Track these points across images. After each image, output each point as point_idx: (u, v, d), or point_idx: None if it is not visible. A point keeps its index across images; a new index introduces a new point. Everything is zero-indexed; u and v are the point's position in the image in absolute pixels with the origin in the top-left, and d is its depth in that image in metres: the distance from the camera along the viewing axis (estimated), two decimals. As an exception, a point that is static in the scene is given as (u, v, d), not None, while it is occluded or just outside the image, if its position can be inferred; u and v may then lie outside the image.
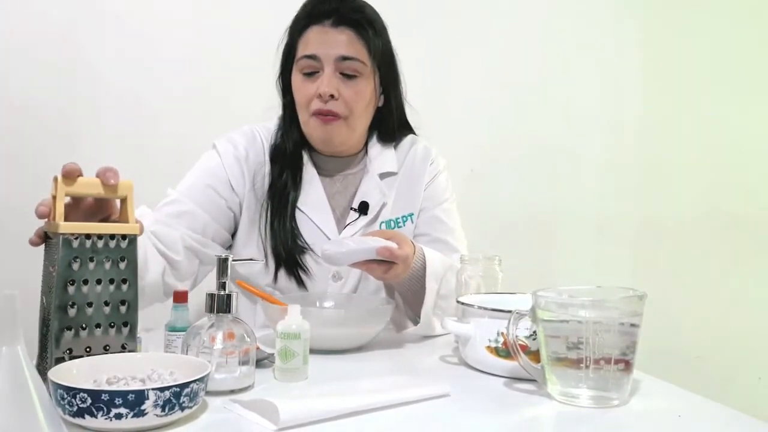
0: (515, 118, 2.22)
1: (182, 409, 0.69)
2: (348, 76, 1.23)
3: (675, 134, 2.33)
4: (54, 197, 0.82)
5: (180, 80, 1.95)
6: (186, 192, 1.26)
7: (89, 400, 0.65)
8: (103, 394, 0.65)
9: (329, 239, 1.26)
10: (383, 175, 1.34)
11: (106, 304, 0.83)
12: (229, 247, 1.32)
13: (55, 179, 0.82)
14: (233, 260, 0.89)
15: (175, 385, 0.68)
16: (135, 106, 1.92)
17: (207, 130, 1.86)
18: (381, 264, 1.08)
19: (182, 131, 1.93)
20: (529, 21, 2.23)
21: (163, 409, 0.67)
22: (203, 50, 1.97)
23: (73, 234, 0.81)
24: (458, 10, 2.17)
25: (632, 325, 0.81)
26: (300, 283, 1.27)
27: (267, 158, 1.31)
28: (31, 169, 1.83)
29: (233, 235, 1.31)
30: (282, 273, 1.26)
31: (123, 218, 0.87)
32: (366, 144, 1.36)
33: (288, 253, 1.25)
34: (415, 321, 1.21)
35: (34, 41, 1.85)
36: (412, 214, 1.35)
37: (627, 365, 0.81)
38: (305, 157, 1.32)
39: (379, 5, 1.31)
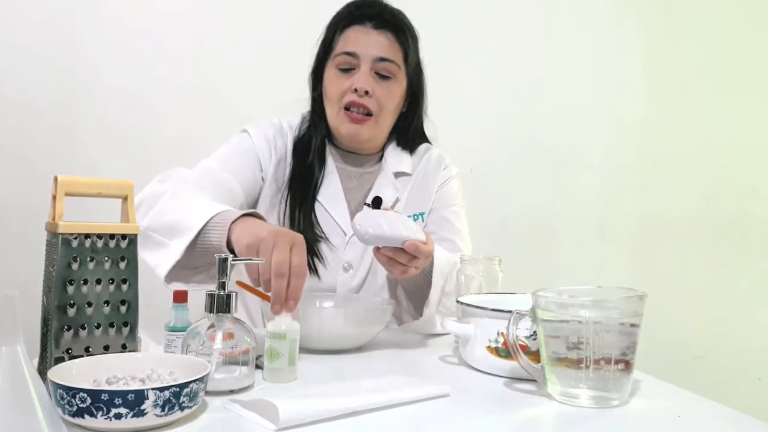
0: (515, 118, 2.22)
1: (182, 409, 0.69)
2: (382, 77, 1.28)
3: (675, 134, 2.33)
4: (54, 197, 0.82)
5: (180, 78, 1.95)
6: (222, 162, 1.27)
7: (89, 400, 0.65)
8: (103, 394, 0.65)
9: (343, 230, 1.30)
10: (398, 174, 1.37)
11: (106, 304, 0.83)
12: None
13: (56, 179, 0.82)
14: (233, 260, 0.89)
15: (175, 385, 0.68)
16: (135, 104, 1.92)
17: (207, 128, 1.87)
18: (406, 254, 1.07)
19: (183, 129, 1.93)
20: (529, 21, 2.23)
21: (163, 409, 0.67)
22: (204, 48, 1.97)
23: (72, 234, 0.81)
24: (458, 10, 2.17)
25: (632, 325, 0.81)
26: (312, 270, 1.28)
27: (290, 149, 1.35)
28: (31, 167, 1.83)
29: None
30: None
31: (123, 218, 0.87)
32: (384, 147, 1.40)
33: (304, 237, 1.26)
34: (416, 317, 1.21)
35: (35, 39, 1.85)
36: (423, 213, 1.38)
37: (627, 365, 0.81)
38: (327, 151, 1.36)
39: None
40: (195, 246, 1.02)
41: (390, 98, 1.29)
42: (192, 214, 1.03)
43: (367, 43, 1.27)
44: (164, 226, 1.05)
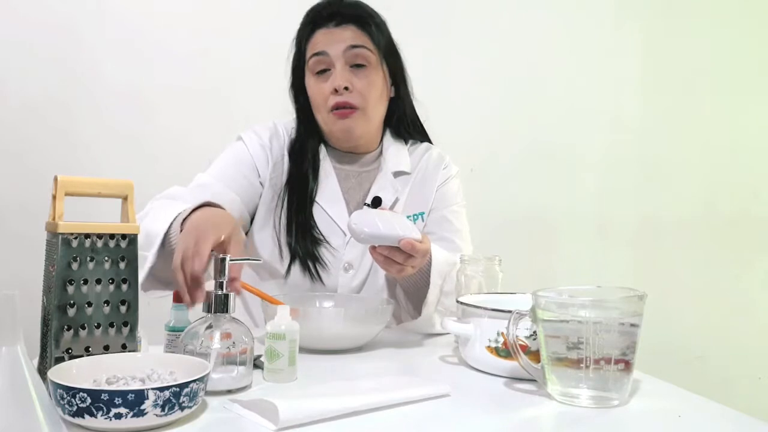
0: (516, 119, 2.22)
1: (182, 408, 0.69)
2: (358, 66, 1.28)
3: (674, 134, 2.33)
4: (54, 197, 0.82)
5: (180, 78, 1.95)
6: (218, 176, 1.29)
7: (89, 400, 0.65)
8: (103, 394, 0.65)
9: (342, 231, 1.30)
10: (397, 174, 1.37)
11: (106, 303, 0.83)
12: (245, 234, 1.34)
13: (56, 179, 0.82)
14: (231, 260, 0.88)
15: (175, 385, 0.68)
16: (135, 104, 1.92)
17: (207, 128, 1.88)
18: (401, 253, 1.07)
19: (183, 129, 1.93)
20: (528, 20, 2.23)
21: (163, 409, 0.67)
22: (204, 48, 1.97)
23: (72, 233, 0.80)
24: (457, 9, 2.17)
25: (632, 325, 0.81)
26: (313, 273, 1.29)
27: (286, 152, 1.35)
28: (30, 166, 1.83)
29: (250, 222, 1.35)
30: (296, 262, 1.29)
31: (123, 218, 0.86)
32: (381, 141, 1.40)
33: (304, 245, 1.28)
34: (415, 316, 1.21)
35: (35, 39, 1.85)
36: (423, 213, 1.37)
37: (627, 365, 0.81)
38: (322, 153, 1.36)
39: (376, 3, 1.33)
40: (167, 251, 1.03)
41: (371, 88, 1.28)
42: (159, 222, 1.06)
43: (332, 41, 1.27)
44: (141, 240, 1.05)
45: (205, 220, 0.99)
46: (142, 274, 1.04)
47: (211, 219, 0.99)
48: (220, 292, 0.86)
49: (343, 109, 1.27)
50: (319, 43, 1.28)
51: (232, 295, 0.86)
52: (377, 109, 1.32)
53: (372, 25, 1.29)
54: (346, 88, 1.25)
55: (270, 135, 1.35)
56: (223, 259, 0.88)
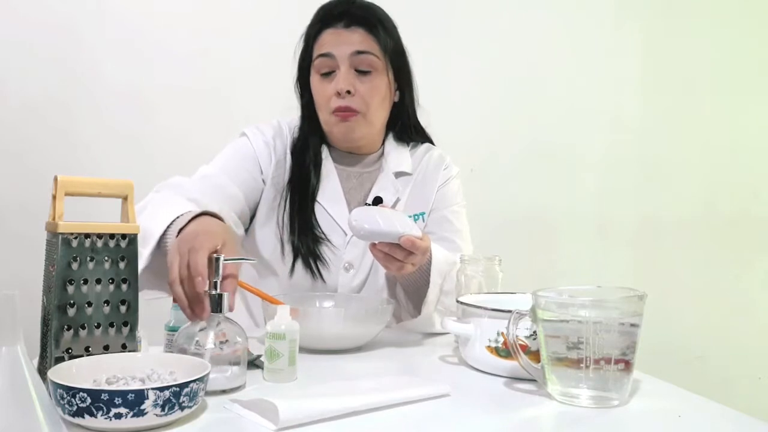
0: (516, 119, 2.22)
1: (182, 408, 0.69)
2: (363, 72, 1.27)
3: (675, 134, 2.33)
4: (54, 197, 0.82)
5: (180, 78, 1.95)
6: (221, 168, 1.29)
7: (89, 400, 0.65)
8: (103, 394, 0.65)
9: (343, 231, 1.30)
10: (398, 174, 1.37)
11: (106, 303, 0.83)
12: (246, 230, 1.34)
13: (56, 179, 0.82)
14: (225, 260, 0.88)
15: (175, 385, 0.68)
16: (135, 104, 1.92)
17: (207, 128, 1.88)
18: (402, 250, 1.08)
19: (183, 129, 1.93)
20: (528, 20, 2.23)
21: (163, 409, 0.67)
22: (204, 48, 1.97)
23: (72, 233, 0.81)
24: (457, 9, 2.17)
25: (632, 325, 0.81)
26: (314, 270, 1.29)
27: (289, 151, 1.35)
28: (30, 166, 1.83)
29: (250, 219, 1.34)
30: (299, 259, 1.29)
31: (123, 218, 0.87)
32: (383, 143, 1.40)
33: (305, 242, 1.28)
34: (415, 315, 1.22)
35: (35, 38, 1.85)
36: (424, 213, 1.38)
37: (627, 365, 0.81)
38: (324, 153, 1.36)
39: (378, 4, 1.33)
40: (162, 251, 1.02)
41: (374, 93, 1.28)
42: (157, 220, 1.03)
43: (340, 42, 1.27)
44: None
45: (203, 227, 0.98)
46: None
47: (207, 228, 0.98)
48: (213, 292, 0.85)
49: (344, 112, 1.27)
50: (326, 43, 1.28)
51: (225, 295, 0.86)
52: (379, 113, 1.32)
53: (381, 29, 1.29)
54: (348, 92, 1.25)
55: (274, 133, 1.35)
56: (217, 259, 0.87)
